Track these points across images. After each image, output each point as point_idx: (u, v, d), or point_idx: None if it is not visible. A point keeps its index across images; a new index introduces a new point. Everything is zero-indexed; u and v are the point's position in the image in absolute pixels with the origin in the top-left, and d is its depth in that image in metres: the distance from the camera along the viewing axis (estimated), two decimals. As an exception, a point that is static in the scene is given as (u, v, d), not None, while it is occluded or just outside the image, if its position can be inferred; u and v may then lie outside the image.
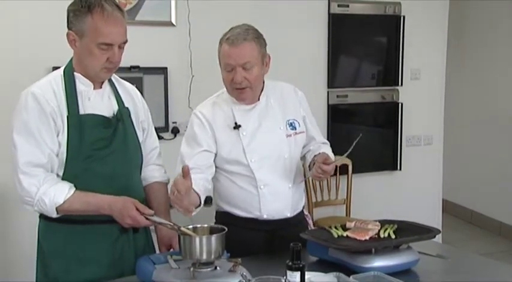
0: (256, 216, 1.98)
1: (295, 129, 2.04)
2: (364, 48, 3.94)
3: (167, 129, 3.39)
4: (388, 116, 4.08)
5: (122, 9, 1.69)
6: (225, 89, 2.03)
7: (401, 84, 4.04)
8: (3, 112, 2.98)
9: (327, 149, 2.12)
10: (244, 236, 1.94)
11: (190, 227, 1.67)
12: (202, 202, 1.82)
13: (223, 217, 2.02)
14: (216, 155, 1.98)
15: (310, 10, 3.73)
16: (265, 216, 1.98)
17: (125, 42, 1.71)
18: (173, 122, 3.45)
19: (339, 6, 3.78)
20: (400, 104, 4.04)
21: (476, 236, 4.76)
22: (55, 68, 3.00)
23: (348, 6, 3.80)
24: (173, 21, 3.38)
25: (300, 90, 2.15)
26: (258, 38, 1.93)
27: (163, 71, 3.34)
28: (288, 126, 2.03)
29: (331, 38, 3.79)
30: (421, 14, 4.05)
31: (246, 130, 1.97)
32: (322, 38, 3.78)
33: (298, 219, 2.07)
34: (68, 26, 1.70)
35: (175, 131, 3.45)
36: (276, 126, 2.02)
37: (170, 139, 3.37)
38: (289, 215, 2.01)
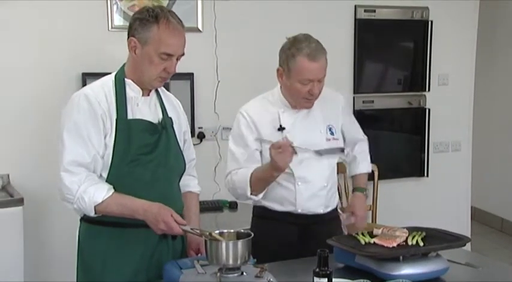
0: (291, 210, 2.09)
1: (334, 134, 2.15)
2: (390, 54, 3.91)
3: (193, 134, 3.41)
4: (415, 122, 4.03)
5: (183, 24, 1.77)
6: (270, 92, 2.16)
7: (429, 89, 3.99)
8: (39, 119, 3.07)
9: (361, 158, 2.27)
10: (280, 230, 2.09)
11: (217, 232, 1.67)
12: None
13: (260, 211, 2.16)
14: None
15: (337, 16, 3.72)
16: (299, 211, 2.09)
17: (183, 54, 1.77)
18: (199, 127, 3.47)
19: (365, 11, 3.76)
20: (427, 110, 3.99)
21: (506, 245, 4.65)
22: (84, 75, 3.12)
23: (374, 11, 3.78)
24: (199, 27, 3.41)
25: (340, 94, 2.27)
26: (324, 47, 2.04)
27: (189, 76, 3.36)
28: (327, 130, 2.14)
29: (358, 44, 3.76)
30: (450, 19, 3.99)
31: (290, 132, 2.06)
32: (349, 43, 3.76)
33: (332, 216, 2.18)
34: (130, 33, 1.75)
35: (201, 136, 3.47)
36: (317, 129, 2.13)
37: (196, 144, 3.38)
38: (322, 211, 2.12)
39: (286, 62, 2.01)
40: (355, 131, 2.30)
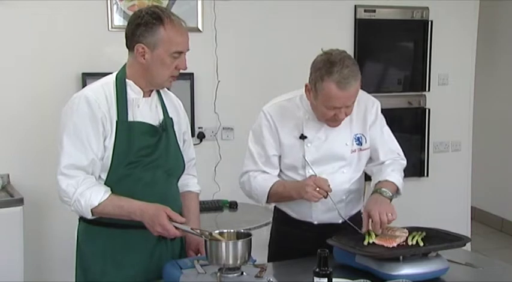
0: (307, 220, 2.04)
1: (361, 145, 2.02)
2: (390, 54, 3.91)
3: (193, 135, 3.41)
4: (415, 122, 4.03)
5: (182, 19, 1.78)
6: (298, 93, 2.01)
7: (429, 89, 3.99)
8: (39, 119, 3.07)
9: (389, 175, 2.03)
10: (298, 235, 2.04)
11: (217, 232, 1.67)
12: None
13: (280, 215, 2.13)
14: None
15: (337, 16, 3.72)
16: (315, 223, 2.03)
17: (188, 49, 1.79)
18: (199, 127, 3.47)
19: (365, 11, 3.76)
20: (427, 110, 3.99)
21: (506, 245, 4.65)
22: (84, 75, 3.12)
23: (374, 11, 3.78)
24: (200, 27, 3.41)
25: (376, 100, 2.09)
26: (359, 70, 1.87)
27: (189, 76, 3.36)
28: (354, 141, 2.01)
29: (358, 44, 3.76)
30: (450, 19, 3.99)
31: (312, 142, 1.98)
32: (349, 43, 3.75)
33: (352, 222, 2.00)
34: (134, 40, 1.72)
35: (201, 136, 3.48)
36: (343, 141, 2.00)
37: (196, 144, 3.38)
38: (340, 221, 2.01)
39: (314, 82, 1.85)
40: (384, 148, 2.07)
